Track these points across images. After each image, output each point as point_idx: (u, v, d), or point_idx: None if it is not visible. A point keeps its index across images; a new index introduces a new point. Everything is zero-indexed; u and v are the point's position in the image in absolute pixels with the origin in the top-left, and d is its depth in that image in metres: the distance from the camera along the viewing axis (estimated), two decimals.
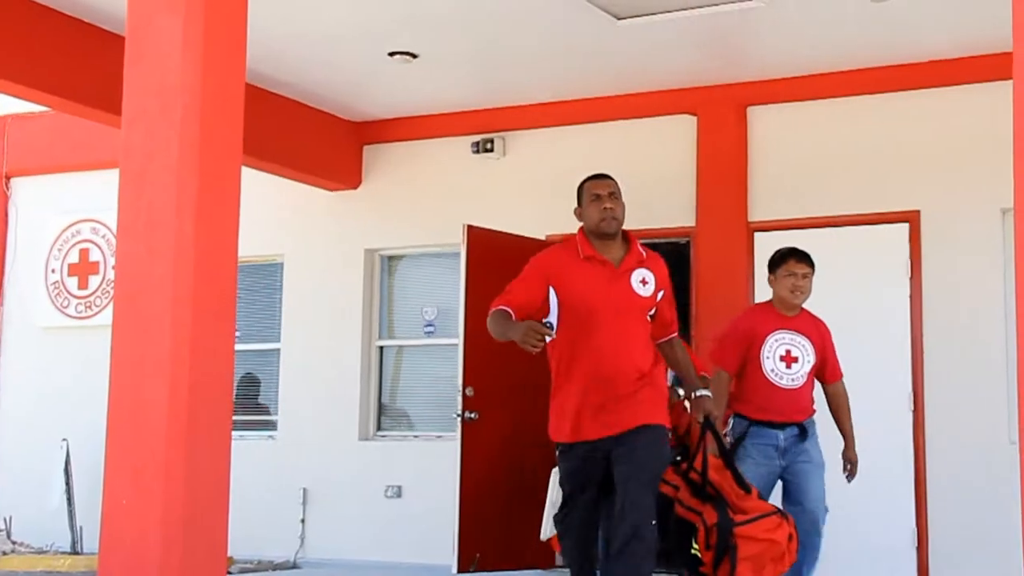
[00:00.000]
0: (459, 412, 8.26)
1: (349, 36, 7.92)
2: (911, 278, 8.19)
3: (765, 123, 8.67)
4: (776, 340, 6.14)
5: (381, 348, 9.94)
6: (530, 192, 9.35)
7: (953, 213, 8.12)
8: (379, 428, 9.88)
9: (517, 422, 8.12)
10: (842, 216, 8.35)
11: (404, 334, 9.86)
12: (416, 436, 9.72)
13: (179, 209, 4.77)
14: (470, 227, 8.45)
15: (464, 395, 8.30)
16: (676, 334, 5.32)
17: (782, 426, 6.08)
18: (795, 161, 8.52)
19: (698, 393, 5.24)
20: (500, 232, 8.61)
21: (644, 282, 5.04)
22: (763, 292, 6.87)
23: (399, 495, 9.34)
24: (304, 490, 9.81)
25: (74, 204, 10.89)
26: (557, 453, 5.11)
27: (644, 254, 5.10)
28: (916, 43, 7.85)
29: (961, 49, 7.90)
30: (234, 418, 10.13)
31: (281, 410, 10.08)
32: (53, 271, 10.96)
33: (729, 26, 7.58)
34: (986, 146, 7.87)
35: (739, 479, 5.36)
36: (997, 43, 7.45)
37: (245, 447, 9.66)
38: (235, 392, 10.18)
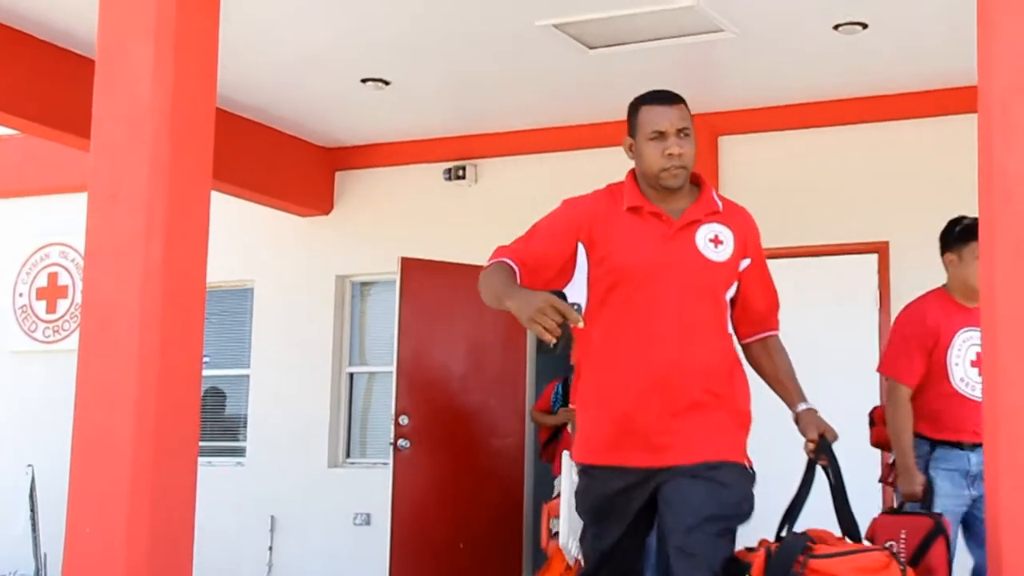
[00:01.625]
0: (392, 441, 8.35)
1: (321, 62, 7.92)
2: (879, 308, 8.23)
3: (736, 153, 8.71)
4: (964, 340, 4.93)
5: (351, 375, 9.91)
6: (502, 219, 9.32)
7: (921, 244, 8.14)
8: (348, 455, 9.84)
9: (455, 452, 8.17)
10: (811, 246, 8.39)
11: (376, 360, 9.83)
12: (386, 463, 9.67)
13: (148, 234, 4.75)
14: (404, 259, 8.69)
15: (397, 423, 8.42)
16: (776, 332, 3.80)
17: (973, 447, 4.74)
18: (765, 191, 8.56)
19: (802, 408, 3.65)
20: (436, 261, 8.78)
21: (717, 241, 3.57)
22: None
23: (368, 523, 9.29)
24: (272, 517, 9.75)
25: (43, 227, 10.83)
26: (578, 476, 3.68)
27: (719, 204, 3.65)
28: (886, 75, 7.91)
29: (931, 82, 7.97)
30: (202, 444, 10.13)
31: (250, 436, 10.03)
32: (21, 295, 10.89)
33: (700, 56, 7.62)
34: (955, 178, 7.92)
35: (853, 531, 3.57)
36: (966, 76, 7.52)
37: (213, 473, 9.61)
38: (201, 406, 10.21)
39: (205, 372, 9.34)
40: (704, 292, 3.51)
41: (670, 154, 3.54)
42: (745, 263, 3.65)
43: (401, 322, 8.65)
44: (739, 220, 3.69)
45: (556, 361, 10.03)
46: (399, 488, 8.47)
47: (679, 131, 3.57)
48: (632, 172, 3.70)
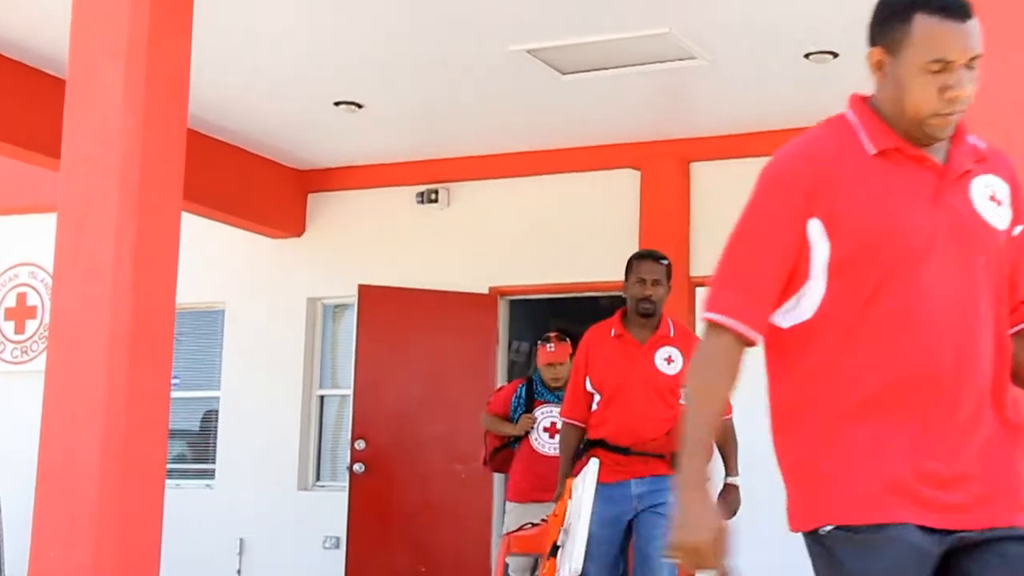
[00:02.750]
0: (348, 465, 8.43)
1: (294, 84, 7.93)
2: None
3: (708, 179, 8.75)
4: None
5: (322, 397, 9.88)
6: (475, 243, 9.36)
7: None
8: (318, 478, 9.80)
9: (415, 476, 8.21)
10: None
11: (347, 383, 9.80)
12: None
13: (117, 255, 4.74)
14: (362, 286, 8.96)
15: (353, 448, 8.54)
16: None
17: None
18: (737, 217, 8.60)
19: None
20: (395, 288, 8.93)
21: (995, 199, 2.43)
22: None
23: (337, 546, 9.24)
24: (241, 540, 9.69)
25: (12, 247, 10.77)
26: (834, 551, 2.26)
27: (984, 148, 2.49)
28: None
29: None
30: (172, 466, 10.08)
31: (219, 458, 9.98)
32: None
33: (673, 83, 7.67)
34: None
35: None
36: None
37: (182, 496, 9.55)
38: (190, 432, 10.17)
39: (177, 394, 9.38)
40: (982, 260, 2.38)
41: (952, 97, 2.34)
42: (1020, 229, 2.49)
43: (359, 348, 8.88)
44: (1003, 166, 2.51)
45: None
46: (356, 512, 8.67)
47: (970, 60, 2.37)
48: (863, 100, 2.51)
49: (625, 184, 8.95)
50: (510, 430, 7.04)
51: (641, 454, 5.34)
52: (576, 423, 5.50)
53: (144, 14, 4.84)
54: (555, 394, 6.89)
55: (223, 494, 9.84)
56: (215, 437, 10.10)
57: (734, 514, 5.40)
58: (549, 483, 6.10)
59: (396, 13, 6.74)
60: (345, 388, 9.75)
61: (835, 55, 7.11)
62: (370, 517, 8.68)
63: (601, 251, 8.90)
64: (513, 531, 6.56)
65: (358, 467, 8.80)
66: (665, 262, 5.54)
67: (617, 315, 5.57)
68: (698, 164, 8.80)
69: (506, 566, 6.68)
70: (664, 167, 8.81)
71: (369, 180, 9.74)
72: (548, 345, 7.01)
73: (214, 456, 10.07)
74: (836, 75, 7.41)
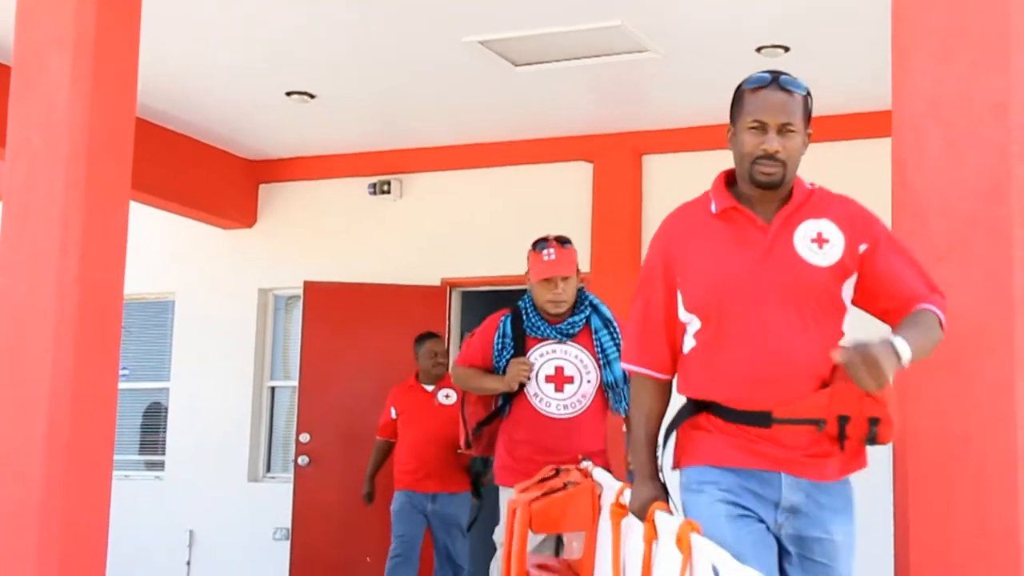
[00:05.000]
0: (293, 458, 8.48)
1: (246, 74, 7.87)
2: None
3: (660, 172, 8.78)
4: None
5: (273, 388, 9.83)
6: (427, 234, 9.35)
7: None
8: (269, 469, 9.76)
9: (360, 469, 8.22)
10: None
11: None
12: None
13: (63, 245, 4.69)
14: (307, 282, 9.03)
15: (298, 441, 8.59)
16: None
17: None
18: None
19: None
20: (341, 283, 9.01)
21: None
22: None
23: (287, 537, 9.21)
24: (190, 532, 9.64)
25: None
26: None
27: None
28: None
29: (853, 105, 8.08)
30: (121, 457, 10.00)
31: (169, 450, 9.91)
32: None
33: (625, 76, 7.68)
34: (875, 199, 8.05)
35: None
36: (883, 101, 7.66)
37: (131, 487, 9.49)
38: (139, 423, 10.11)
39: (126, 385, 9.30)
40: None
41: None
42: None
43: (304, 343, 8.99)
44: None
45: None
46: (300, 504, 8.76)
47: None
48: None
49: (578, 176, 8.96)
50: (497, 385, 5.00)
51: (792, 422, 3.01)
52: (655, 375, 3.23)
53: (91, 2, 4.79)
54: (557, 328, 5.00)
55: (172, 486, 9.77)
56: (164, 429, 10.03)
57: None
58: (561, 459, 4.56)
59: (348, 3, 6.71)
60: (297, 380, 9.71)
61: (786, 49, 7.15)
62: (315, 509, 8.70)
63: None
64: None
65: (303, 460, 8.84)
66: (801, 91, 3.36)
67: (718, 180, 3.23)
68: (650, 157, 8.82)
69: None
70: (616, 160, 8.82)
71: (321, 171, 9.70)
72: (545, 251, 4.96)
73: (163, 448, 10.00)
74: (788, 69, 7.40)
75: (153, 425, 10.23)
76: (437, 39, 7.14)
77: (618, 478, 4.00)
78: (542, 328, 5.01)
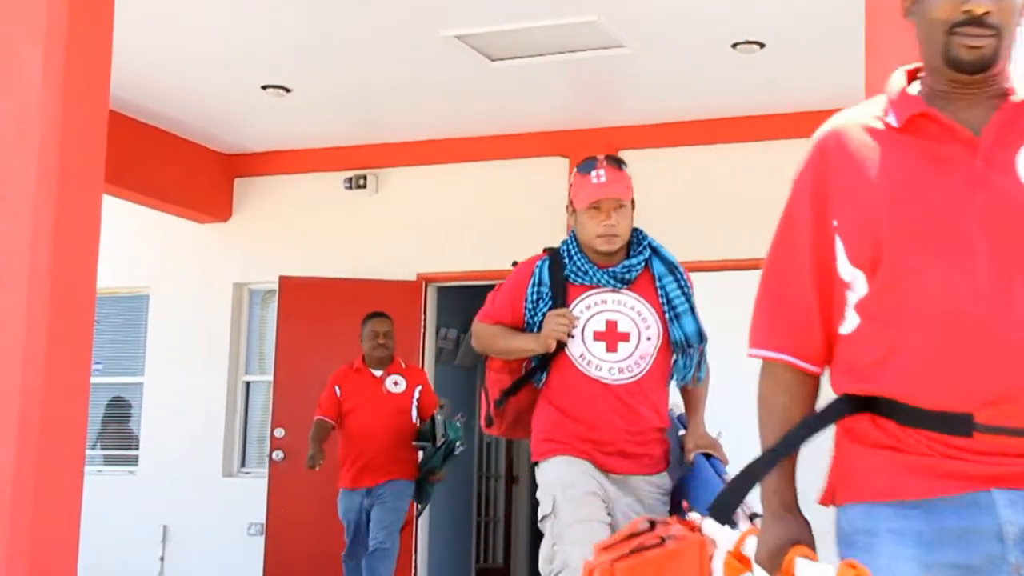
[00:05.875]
0: (268, 453, 8.49)
1: (221, 67, 7.84)
2: None
3: (635, 167, 8.64)
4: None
5: (248, 383, 9.81)
6: (402, 229, 9.34)
7: None
8: (243, 464, 9.74)
9: (332, 463, 8.21)
10: (709, 261, 8.48)
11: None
12: None
13: (34, 239, 4.67)
14: (283, 277, 9.01)
15: (273, 436, 8.59)
16: None
17: None
18: (664, 206, 8.64)
19: None
20: (317, 278, 9.01)
21: None
22: None
23: (262, 532, 9.19)
24: (164, 527, 9.61)
25: None
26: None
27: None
28: (782, 95, 8.03)
29: (827, 101, 8.05)
30: (95, 452, 9.94)
31: (143, 445, 9.88)
32: None
33: (600, 71, 7.69)
34: None
35: None
36: (861, 97, 7.68)
37: (104, 482, 9.45)
38: (102, 417, 10.07)
39: (99, 379, 9.27)
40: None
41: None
42: None
43: (279, 338, 8.99)
44: None
45: (456, 374, 10.05)
46: (275, 499, 8.76)
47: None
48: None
49: (553, 172, 8.96)
50: (530, 345, 3.99)
51: (1007, 432, 1.98)
52: (798, 363, 2.18)
53: None
54: (609, 273, 3.97)
55: (146, 480, 9.74)
56: (138, 423, 9.99)
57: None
58: (618, 440, 3.88)
59: None
60: (272, 374, 9.69)
61: (762, 45, 7.17)
62: (289, 504, 8.70)
63: (529, 238, 8.81)
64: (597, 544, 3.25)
65: (277, 455, 8.83)
66: None
67: (896, 81, 2.20)
68: (626, 152, 8.82)
69: None
70: (592, 154, 8.81)
71: (297, 165, 9.68)
72: (594, 173, 4.06)
73: (137, 442, 9.97)
74: (763, 65, 7.46)
75: (123, 420, 10.18)
76: (414, 34, 7.13)
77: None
78: (590, 272, 3.97)
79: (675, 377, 4.08)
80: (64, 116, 4.75)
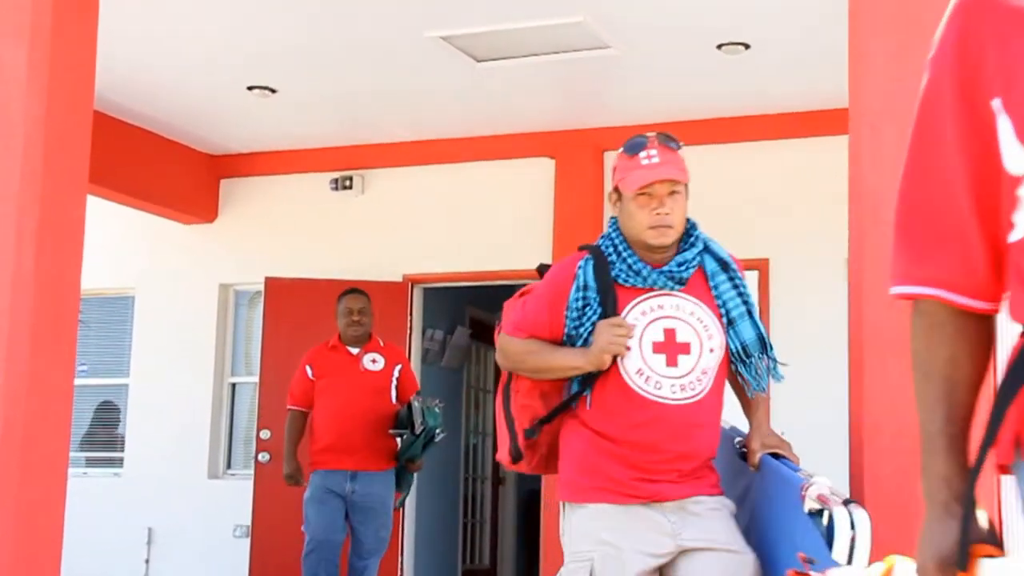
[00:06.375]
0: (254, 455, 8.45)
1: (206, 68, 7.83)
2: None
3: None
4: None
5: (234, 385, 9.79)
6: (388, 230, 9.33)
7: (800, 262, 8.33)
8: (229, 466, 9.72)
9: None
10: None
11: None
12: None
13: (18, 239, 4.65)
14: (269, 278, 9.01)
15: (259, 438, 8.57)
16: None
17: None
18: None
19: None
20: (302, 279, 8.98)
21: None
22: None
23: (247, 535, 9.17)
24: (149, 529, 9.58)
25: None
26: None
27: None
28: (768, 95, 8.05)
29: (812, 103, 8.13)
30: (81, 454, 9.90)
31: (128, 446, 9.85)
32: None
33: (586, 72, 7.69)
34: (833, 197, 8.10)
35: None
36: (845, 98, 7.70)
37: (89, 484, 9.43)
38: (91, 421, 10.04)
39: (84, 381, 9.24)
40: None
41: None
42: None
43: (265, 339, 8.97)
44: None
45: (442, 375, 10.05)
46: (260, 500, 8.72)
47: None
48: None
49: (539, 173, 8.97)
50: (578, 362, 3.35)
51: None
52: (957, 299, 1.63)
53: None
54: (665, 273, 3.41)
55: (131, 483, 9.71)
56: (123, 425, 9.97)
57: None
58: (677, 471, 3.30)
59: None
60: (258, 376, 9.67)
61: (747, 46, 7.18)
62: (275, 506, 8.67)
63: (515, 239, 8.91)
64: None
65: (263, 456, 8.79)
66: None
67: None
68: (612, 153, 8.73)
69: None
70: (578, 156, 8.83)
71: (283, 166, 9.66)
72: (644, 153, 3.46)
73: (122, 444, 9.94)
74: (748, 66, 7.48)
75: (110, 422, 10.15)
76: (399, 35, 7.13)
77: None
78: (643, 273, 3.38)
79: (745, 389, 3.53)
80: (48, 116, 4.73)
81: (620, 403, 3.30)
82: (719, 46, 7.18)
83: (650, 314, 3.34)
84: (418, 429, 6.79)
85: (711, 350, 3.36)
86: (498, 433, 3.55)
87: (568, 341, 3.37)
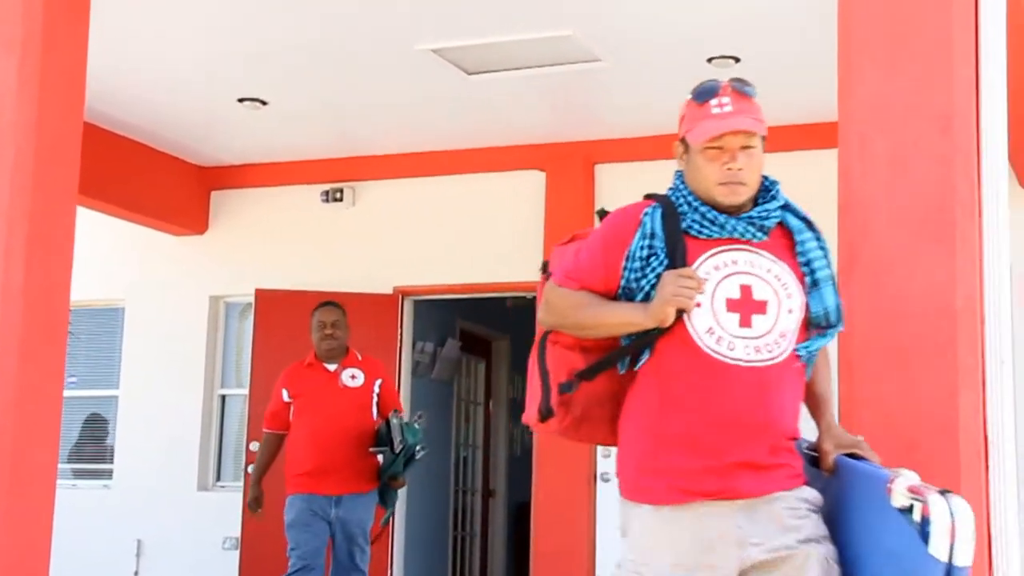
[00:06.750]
0: (244, 467, 8.43)
1: (197, 80, 7.83)
2: None
3: (612, 181, 8.81)
4: None
5: (224, 397, 9.77)
6: (379, 242, 9.33)
7: None
8: (219, 478, 9.70)
9: None
10: None
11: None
12: None
13: (7, 251, 4.64)
14: (259, 290, 9.03)
15: (248, 450, 8.54)
16: None
17: None
18: None
19: None
20: (293, 291, 8.96)
21: None
22: None
23: (237, 547, 9.15)
24: (139, 541, 9.56)
25: None
26: None
27: None
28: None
29: (801, 116, 8.14)
30: (69, 466, 9.88)
31: (118, 458, 9.83)
32: None
33: (576, 84, 7.71)
34: (821, 209, 8.11)
35: None
36: (835, 111, 7.72)
37: (78, 496, 9.41)
38: (79, 433, 10.02)
39: (74, 393, 9.22)
40: None
41: None
42: None
43: (255, 351, 8.97)
44: None
45: (432, 387, 10.05)
46: (249, 513, 8.44)
47: None
48: None
49: (530, 185, 8.98)
50: (636, 317, 2.98)
51: None
52: None
53: (38, 5, 4.75)
54: (745, 220, 3.07)
55: (120, 495, 9.69)
56: (113, 437, 9.94)
57: None
58: (752, 445, 2.90)
59: (302, 10, 6.69)
60: (248, 388, 9.66)
61: (737, 60, 7.20)
62: (265, 519, 8.61)
63: (506, 252, 8.91)
64: None
65: (253, 468, 8.74)
66: None
67: None
68: (602, 166, 8.85)
69: None
70: (569, 169, 8.85)
71: (274, 178, 9.67)
72: (715, 101, 3.20)
73: (111, 456, 9.92)
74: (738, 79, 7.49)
75: (98, 433, 10.13)
76: (390, 47, 7.14)
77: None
78: (719, 222, 3.03)
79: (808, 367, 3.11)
80: (39, 128, 4.73)
81: (687, 366, 2.92)
82: (709, 59, 7.20)
83: (724, 269, 2.98)
84: (397, 447, 6.58)
85: (790, 311, 2.99)
86: (528, 391, 3.12)
87: (624, 295, 3.00)
